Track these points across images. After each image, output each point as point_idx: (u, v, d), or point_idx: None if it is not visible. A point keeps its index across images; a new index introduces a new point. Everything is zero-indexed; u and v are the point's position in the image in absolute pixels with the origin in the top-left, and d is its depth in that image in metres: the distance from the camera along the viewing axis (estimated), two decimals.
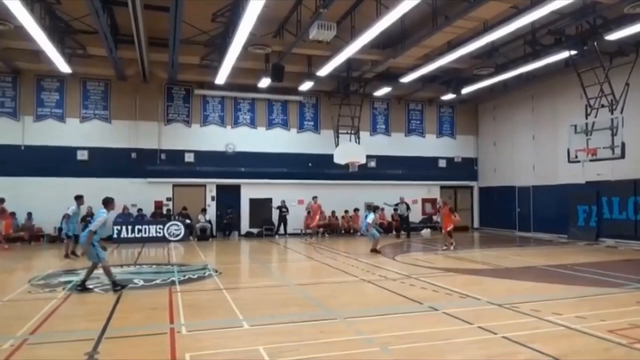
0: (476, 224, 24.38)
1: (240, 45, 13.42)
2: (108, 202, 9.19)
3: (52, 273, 10.49)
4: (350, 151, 19.97)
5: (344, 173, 20.37)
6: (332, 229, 21.24)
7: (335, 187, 21.38)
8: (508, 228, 21.92)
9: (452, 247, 15.14)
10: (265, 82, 18.14)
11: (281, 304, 7.65)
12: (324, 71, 16.82)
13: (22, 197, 17.28)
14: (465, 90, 20.19)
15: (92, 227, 8.58)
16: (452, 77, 19.45)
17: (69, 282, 9.30)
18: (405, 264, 12.18)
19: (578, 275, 10.26)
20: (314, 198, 20.28)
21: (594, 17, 13.47)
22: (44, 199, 17.58)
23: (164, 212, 19.61)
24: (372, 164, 21.98)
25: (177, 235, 18.49)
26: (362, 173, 20.79)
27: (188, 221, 19.12)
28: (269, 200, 20.97)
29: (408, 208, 20.33)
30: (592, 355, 4.98)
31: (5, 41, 14.87)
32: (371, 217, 14.74)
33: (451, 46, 15.03)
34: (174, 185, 20.03)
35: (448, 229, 15.47)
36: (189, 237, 18.92)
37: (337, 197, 21.41)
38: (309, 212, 20.31)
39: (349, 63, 17.32)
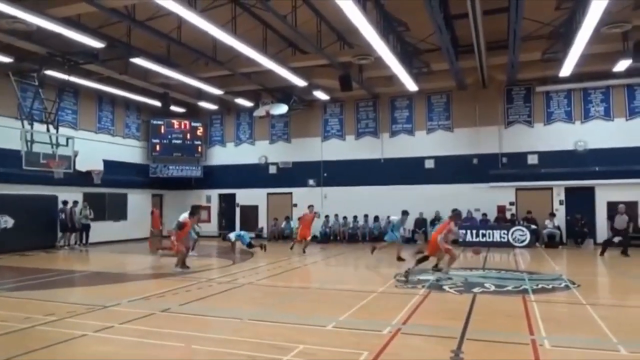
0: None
1: (590, 28, 11.85)
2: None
3: (410, 270, 11.71)
4: None
5: None
6: None
7: None
8: None
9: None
10: (623, 65, 15.43)
11: None
12: None
13: (383, 203, 20.11)
14: None
15: None
16: None
17: (426, 280, 10.18)
18: None
19: None
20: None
21: None
22: (400, 205, 19.99)
23: (508, 217, 19.19)
24: None
25: (522, 241, 17.77)
26: None
27: (534, 226, 18.10)
28: (635, 203, 17.63)
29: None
30: None
31: (368, 72, 17.76)
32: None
33: None
34: (517, 189, 19.37)
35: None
36: (535, 243, 17.88)
37: None
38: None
39: None
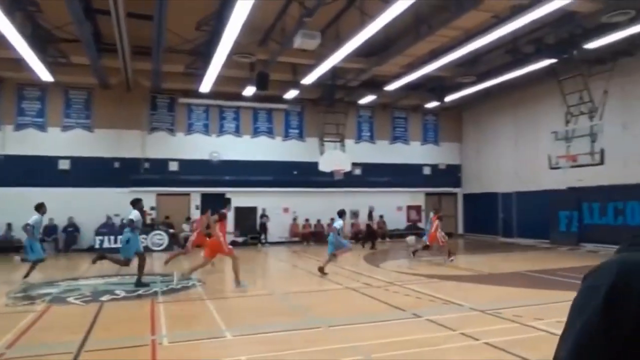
0: (460, 230, 24.57)
1: (224, 53, 13.41)
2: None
3: (32, 285, 10.27)
4: (335, 159, 20.08)
5: (329, 181, 20.43)
6: (318, 237, 21.24)
7: (320, 194, 21.40)
8: (491, 234, 22.12)
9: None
10: (250, 91, 18.13)
11: (266, 313, 7.60)
12: (308, 79, 16.88)
13: (2, 208, 16.98)
14: (449, 98, 20.42)
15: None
16: (435, 85, 19.66)
17: (49, 294, 9.12)
18: (389, 271, 12.20)
19: (560, 280, 10.39)
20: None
21: (572, 26, 13.76)
22: (25, 210, 17.26)
23: (148, 221, 19.37)
24: (357, 171, 22.05)
25: (161, 244, 18.30)
26: (348, 180, 20.87)
27: (172, 230, 18.93)
28: (254, 208, 20.89)
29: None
30: None
31: None
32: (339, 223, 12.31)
33: (434, 54, 15.21)
34: (158, 195, 19.85)
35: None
36: (173, 246, 18.71)
37: (322, 205, 21.41)
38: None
39: (334, 71, 17.41)
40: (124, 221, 10.11)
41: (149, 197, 19.48)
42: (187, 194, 20.31)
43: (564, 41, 14.44)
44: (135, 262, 10.04)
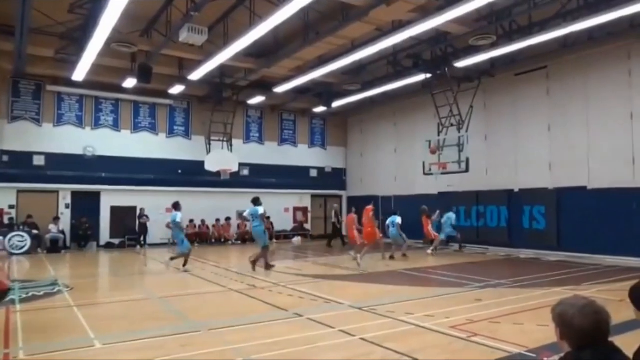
0: (344, 231, 25.48)
1: (102, 41, 12.44)
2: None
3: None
4: (222, 158, 19.71)
5: (216, 181, 20.00)
6: (202, 238, 20.65)
7: (206, 194, 20.84)
8: None
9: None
10: (131, 83, 17.03)
11: (141, 319, 7.18)
12: (195, 76, 16.34)
13: None
14: (336, 104, 21.12)
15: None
16: (323, 91, 20.21)
17: None
18: (274, 272, 12.25)
19: (429, 277, 11.31)
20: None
21: (445, 46, 15.10)
22: None
23: (6, 221, 17.24)
24: (245, 172, 21.87)
25: (22, 247, 16.39)
26: (235, 181, 20.60)
27: (35, 232, 17.06)
28: (133, 208, 19.64)
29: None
30: (437, 349, 5.50)
31: None
32: (399, 219, 15.32)
33: (322, 61, 15.66)
34: (19, 191, 17.75)
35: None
36: (37, 249, 16.90)
37: (208, 205, 20.88)
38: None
39: (222, 69, 17.09)
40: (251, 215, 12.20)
41: (7, 194, 17.51)
42: (56, 192, 18.46)
43: (438, 58, 15.79)
44: None
